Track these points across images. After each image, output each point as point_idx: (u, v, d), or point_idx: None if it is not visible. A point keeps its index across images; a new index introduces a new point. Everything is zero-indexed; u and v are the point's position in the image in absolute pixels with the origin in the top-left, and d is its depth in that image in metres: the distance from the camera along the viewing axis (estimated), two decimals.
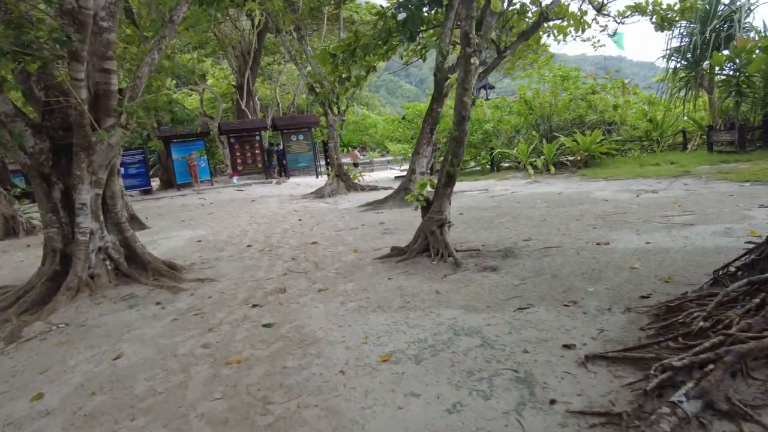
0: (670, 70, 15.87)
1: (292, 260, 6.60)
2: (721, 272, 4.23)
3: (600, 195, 9.66)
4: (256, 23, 24.06)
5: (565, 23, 12.19)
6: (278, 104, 29.75)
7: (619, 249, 5.66)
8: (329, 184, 15.50)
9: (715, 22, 14.11)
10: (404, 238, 7.30)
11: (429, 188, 6.16)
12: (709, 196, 8.43)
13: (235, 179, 22.12)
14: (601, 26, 14.71)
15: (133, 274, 5.86)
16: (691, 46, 14.81)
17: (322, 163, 26.45)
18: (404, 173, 22.27)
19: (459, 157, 5.63)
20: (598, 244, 5.94)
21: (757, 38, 13.53)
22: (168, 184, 21.32)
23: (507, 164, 17.72)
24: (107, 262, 5.84)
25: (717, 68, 14.33)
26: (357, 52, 10.64)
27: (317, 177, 24.09)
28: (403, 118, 21.36)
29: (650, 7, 13.14)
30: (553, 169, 14.48)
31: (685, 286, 4.32)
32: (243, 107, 25.02)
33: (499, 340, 3.56)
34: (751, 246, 4.59)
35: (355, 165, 22.22)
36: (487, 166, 17.71)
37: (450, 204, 6.09)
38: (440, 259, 5.80)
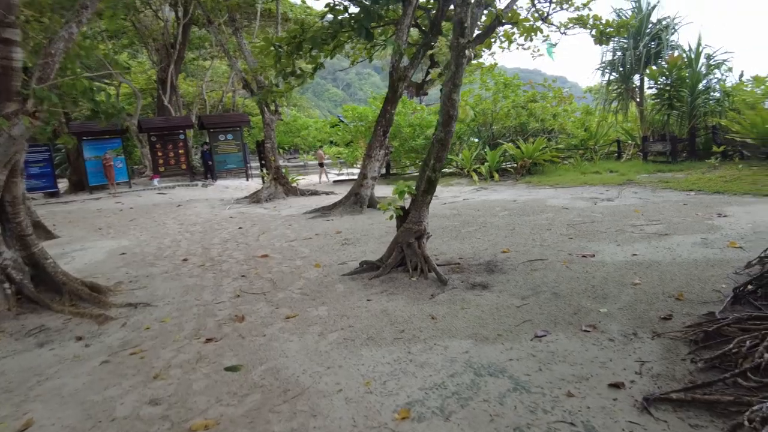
0: (604, 83, 16.40)
1: (243, 278, 5.64)
2: (741, 289, 3.91)
3: (556, 203, 9.48)
4: (182, 15, 22.34)
5: (514, 30, 12.06)
6: (205, 102, 27.81)
7: (608, 262, 5.30)
8: (266, 188, 14.38)
9: (646, 39, 14.70)
10: (369, 249, 6.57)
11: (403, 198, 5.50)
12: (664, 205, 8.46)
13: (156, 181, 20.19)
14: (543, 36, 14.84)
15: (43, 299, 4.65)
16: (624, 60, 15.36)
17: (253, 164, 25.03)
18: (343, 177, 21.52)
19: (442, 161, 5.02)
20: (584, 256, 5.56)
21: (685, 56, 14.22)
22: (78, 186, 18.96)
23: (449, 170, 17.49)
24: (6, 285, 4.58)
25: (648, 82, 14.96)
26: (303, 46, 9.83)
27: (248, 180, 22.67)
28: (341, 120, 20.59)
29: (591, 21, 13.42)
30: (497, 176, 14.37)
31: (699, 304, 3.97)
32: (166, 104, 23.02)
33: (532, 380, 2.94)
34: (753, 259, 4.36)
35: (321, 165, 21.12)
36: None
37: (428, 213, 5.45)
38: (420, 275, 5.14)
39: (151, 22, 24.22)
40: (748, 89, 13.23)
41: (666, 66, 13.55)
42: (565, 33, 13.37)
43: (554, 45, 17.90)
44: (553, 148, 14.55)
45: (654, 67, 14.17)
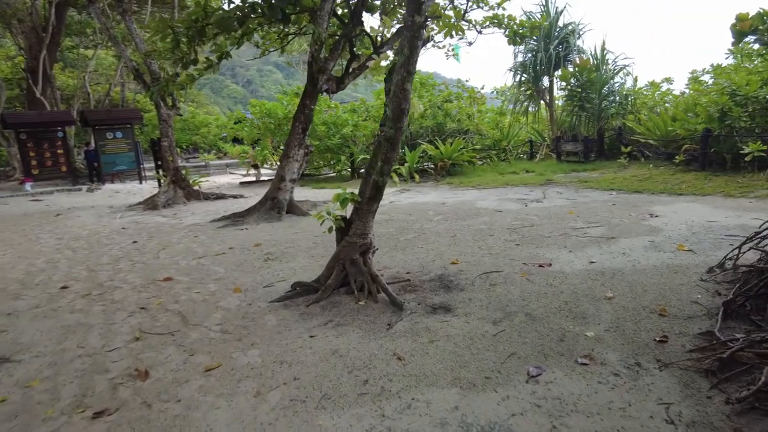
0: (515, 83, 16.65)
1: (142, 311, 4.46)
2: (732, 305, 3.57)
3: (486, 205, 9.13)
4: None
5: (433, 26, 11.65)
6: (88, 95, 24.59)
7: (568, 272, 4.86)
8: (164, 192, 12.70)
9: (555, 42, 15.07)
10: (298, 266, 5.63)
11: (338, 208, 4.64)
12: (593, 205, 8.41)
13: (28, 186, 17.34)
14: (459, 35, 14.74)
15: None
16: (534, 62, 15.66)
17: (148, 165, 22.64)
18: (251, 179, 19.98)
19: (391, 163, 4.25)
20: (540, 265, 5.08)
21: (592, 60, 14.76)
22: None
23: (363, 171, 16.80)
24: None
25: (558, 84, 15.37)
26: (207, 30, 8.64)
27: (141, 182, 20.35)
28: (247, 117, 19.03)
29: (505, 21, 13.43)
30: (417, 177, 13.93)
31: (686, 320, 3.59)
32: (38, 96, 19.91)
33: None
34: (713, 265, 4.04)
35: (255, 166, 19.17)
36: (347, 173, 16.58)
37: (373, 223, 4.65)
38: (368, 297, 4.33)
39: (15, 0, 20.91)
40: (648, 94, 14.00)
41: (577, 69, 13.94)
42: (481, 32, 13.19)
43: (457, 47, 17.90)
44: (470, 148, 14.41)
45: (568, 69, 14.55)
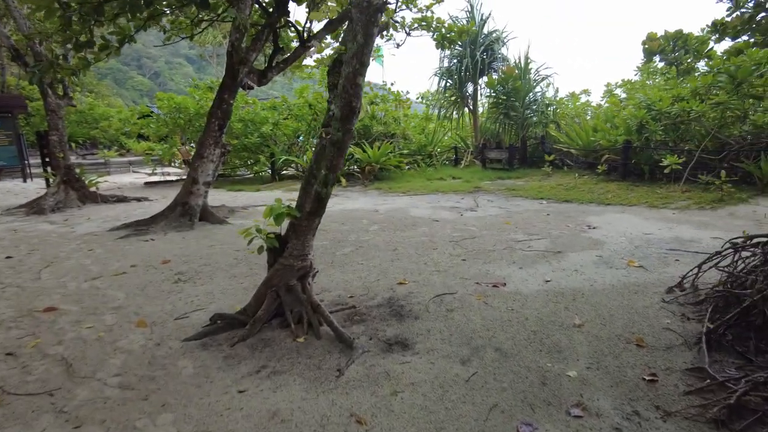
0: (440, 89, 16.53)
1: (9, 358, 3.41)
2: (713, 334, 3.30)
3: (420, 214, 8.69)
4: None
5: None
6: None
7: (525, 293, 4.46)
8: (52, 194, 10.97)
9: (481, 48, 15.11)
10: (217, 290, 4.76)
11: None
12: (527, 215, 8.26)
13: None
14: (386, 36, 14.41)
15: None
16: (459, 68, 15.60)
17: (35, 161, 19.96)
18: (156, 178, 18.18)
19: (337, 171, 3.57)
20: (495, 285, 4.65)
21: (517, 69, 14.94)
22: None
23: (288, 173, 15.87)
24: None
25: (483, 91, 15.42)
26: (106, 10, 7.42)
27: (26, 181, 17.83)
28: (153, 111, 17.30)
29: (434, 24, 13.19)
30: (344, 181, 13.22)
31: (665, 351, 3.28)
32: None
33: None
34: (672, 285, 3.79)
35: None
36: (266, 174, 15.52)
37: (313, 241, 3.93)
38: (308, 332, 3.62)
39: None
40: (569, 104, 14.42)
41: (503, 76, 14.02)
42: (409, 34, 12.83)
43: (380, 48, 17.56)
44: (398, 153, 14.00)
45: (493, 77, 14.61)
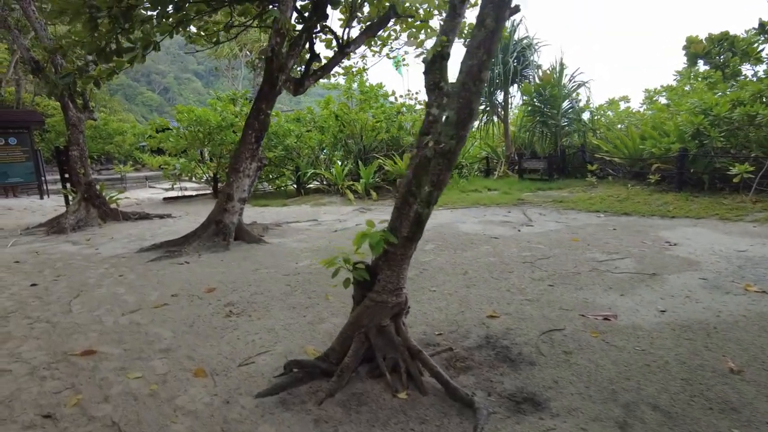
0: None
1: (47, 422, 2.76)
2: None
3: (471, 229, 8.01)
4: None
5: (397, 27, 10.51)
6: None
7: (644, 327, 3.76)
8: (73, 212, 10.43)
9: (515, 55, 14.52)
10: (279, 325, 4.10)
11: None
12: (590, 230, 7.56)
13: None
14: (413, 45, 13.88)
15: None
16: (491, 76, 14.99)
17: (51, 177, 19.60)
18: (175, 193, 17.64)
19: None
20: (606, 319, 3.95)
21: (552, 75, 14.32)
22: None
23: (312, 186, 15.28)
24: None
25: (517, 99, 14.80)
26: (134, 14, 6.95)
27: (42, 198, 17.39)
28: (167, 127, 16.77)
29: (467, 30, 12.63)
30: (375, 194, 12.64)
31: None
32: None
33: None
34: None
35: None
36: (290, 189, 14.94)
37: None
38: (408, 383, 2.94)
39: None
40: (609, 112, 13.75)
41: (539, 83, 13.39)
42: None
43: (398, 59, 16.94)
44: None
45: (529, 84, 13.99)
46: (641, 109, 14.77)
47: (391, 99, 16.24)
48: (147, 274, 5.91)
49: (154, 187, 21.55)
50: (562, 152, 13.38)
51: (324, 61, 8.59)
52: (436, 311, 4.24)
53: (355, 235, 3.02)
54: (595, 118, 13.80)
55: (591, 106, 13.86)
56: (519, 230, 7.67)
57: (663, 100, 14.31)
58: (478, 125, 16.41)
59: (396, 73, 18.25)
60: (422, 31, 9.79)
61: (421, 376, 2.99)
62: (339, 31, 8.48)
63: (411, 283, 5.08)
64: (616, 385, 2.92)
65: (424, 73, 3.19)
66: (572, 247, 6.43)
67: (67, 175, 11.93)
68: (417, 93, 16.77)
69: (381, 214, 10.41)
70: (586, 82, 13.53)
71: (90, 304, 4.80)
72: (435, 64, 3.13)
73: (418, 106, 15.62)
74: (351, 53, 8.54)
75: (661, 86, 14.91)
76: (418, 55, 11.97)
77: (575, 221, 8.38)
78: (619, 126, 13.34)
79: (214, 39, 9.33)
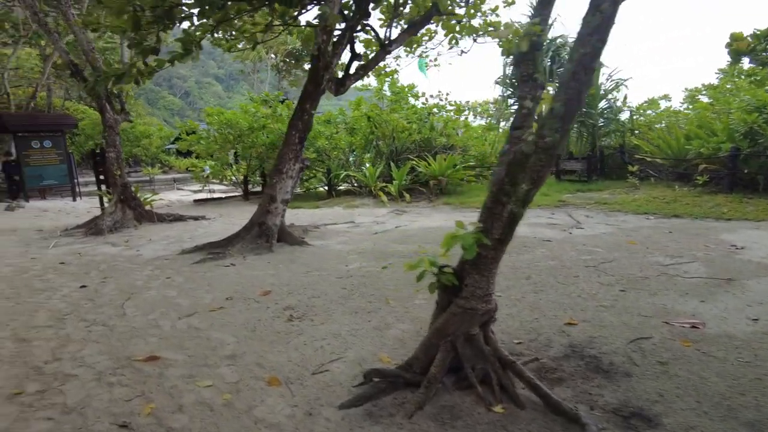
0: (501, 97, 15.66)
1: (125, 431, 2.62)
2: None
3: (519, 231, 7.67)
4: None
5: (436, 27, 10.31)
6: (8, 96, 21.30)
7: (739, 336, 3.49)
8: (110, 213, 10.44)
9: (550, 54, 14.20)
10: (344, 330, 3.92)
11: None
12: (645, 232, 7.25)
13: None
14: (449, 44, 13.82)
15: None
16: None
17: (83, 179, 19.86)
18: (205, 195, 17.70)
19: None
20: (693, 327, 3.69)
21: None
22: None
23: (342, 188, 15.14)
24: None
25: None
26: (176, 11, 6.83)
27: (75, 200, 17.59)
28: (196, 129, 16.82)
29: (501, 28, 12.37)
30: (408, 196, 12.45)
31: None
32: None
33: None
34: None
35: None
36: (320, 191, 14.83)
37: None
38: (502, 397, 2.73)
39: None
40: (649, 111, 13.35)
41: None
42: (476, 40, 12.00)
43: (422, 60, 16.64)
44: (465, 165, 13.09)
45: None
46: (681, 109, 14.31)
47: (422, 100, 16.06)
48: (194, 277, 5.79)
49: (182, 189, 21.69)
50: (600, 153, 13.01)
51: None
52: (508, 318, 4.01)
53: (444, 236, 2.83)
54: (635, 117, 13.40)
55: (630, 105, 13.47)
56: (570, 233, 7.40)
57: (705, 99, 13.83)
58: (508, 125, 16.11)
59: (420, 74, 18.07)
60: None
61: (513, 388, 2.78)
62: (379, 31, 8.34)
63: None
64: (731, 401, 2.67)
65: (514, 64, 3.03)
66: (631, 251, 6.15)
67: (102, 177, 12.00)
68: (447, 94, 16.51)
69: (417, 216, 10.21)
70: (625, 81, 13.13)
71: (143, 308, 4.69)
72: (527, 54, 2.93)
73: (448, 107, 15.38)
74: (391, 52, 8.37)
75: (702, 85, 14.46)
76: (461, 53, 11.77)
77: (625, 223, 8.07)
78: (658, 125, 12.92)
79: (249, 41, 9.26)
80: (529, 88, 2.85)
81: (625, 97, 13.78)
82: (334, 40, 7.58)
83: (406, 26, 8.48)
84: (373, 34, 8.18)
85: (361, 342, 3.66)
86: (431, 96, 15.63)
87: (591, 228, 7.77)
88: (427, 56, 13.75)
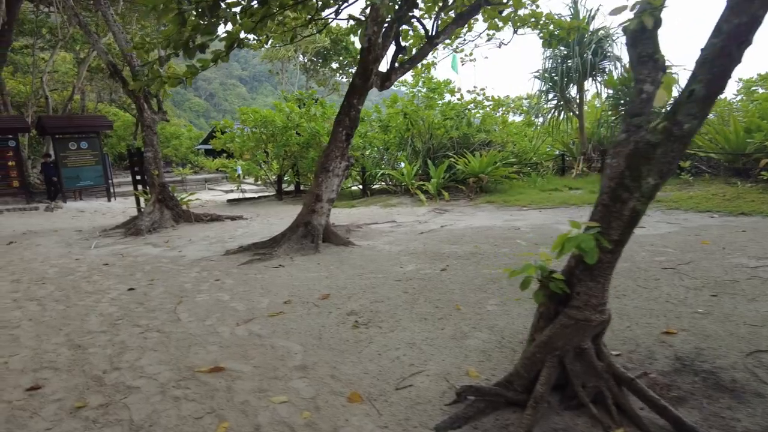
0: (541, 92, 15.16)
1: None
2: None
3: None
4: None
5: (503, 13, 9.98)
6: (46, 99, 21.66)
7: None
8: (148, 213, 10.39)
9: (593, 46, 13.67)
10: (418, 339, 3.61)
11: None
12: (715, 231, 6.75)
13: None
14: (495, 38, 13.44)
15: None
16: (564, 70, 14.18)
17: (116, 180, 20.08)
18: (237, 195, 17.68)
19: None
20: None
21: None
22: None
23: (377, 186, 14.87)
24: None
25: (591, 93, 13.95)
26: (221, 7, 6.65)
27: (109, 200, 17.75)
28: (230, 128, 16.76)
29: (543, 20, 11.93)
30: (447, 194, 12.09)
31: None
32: None
33: None
34: None
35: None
36: (356, 189, 14.59)
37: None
38: (620, 419, 2.39)
39: None
40: None
41: (626, 75, 12.49)
42: (516, 32, 11.57)
43: (455, 56, 16.14)
44: (505, 162, 12.66)
45: (613, 76, 13.13)
46: (735, 101, 13.59)
47: (457, 96, 15.68)
48: (245, 279, 5.57)
49: (213, 189, 21.76)
50: None
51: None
52: None
53: (556, 238, 2.50)
54: None
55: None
56: (633, 232, 6.94)
57: (761, 90, 13.10)
58: (546, 121, 15.60)
59: (451, 70, 17.60)
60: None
61: (632, 409, 2.43)
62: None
63: None
64: None
65: (629, 45, 2.64)
66: (707, 251, 5.69)
67: (138, 177, 11.98)
68: (483, 89, 16.07)
69: (460, 215, 9.86)
70: (675, 71, 12.49)
71: (197, 312, 4.47)
72: (645, 33, 2.57)
73: (485, 102, 14.96)
74: (438, 45, 8.04)
75: (759, 75, 13.71)
76: (500, 46, 11.38)
77: (688, 222, 7.57)
78: (710, 116, 12.26)
79: (288, 37, 9.06)
80: (648, 70, 2.50)
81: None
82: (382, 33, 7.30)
83: (453, 17, 8.14)
84: (419, 26, 7.87)
85: (439, 353, 3.35)
86: (467, 91, 15.24)
87: (653, 227, 7.30)
88: (461, 50, 13.33)
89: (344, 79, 35.70)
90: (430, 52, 8.13)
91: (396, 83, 16.17)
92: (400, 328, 3.80)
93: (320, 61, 32.08)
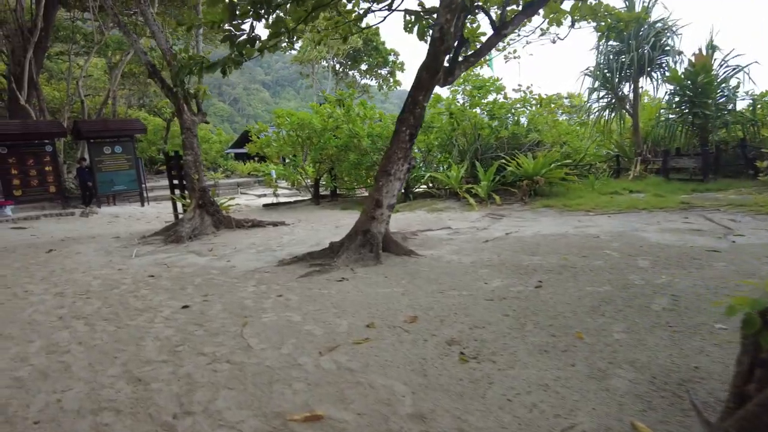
0: (593, 89, 14.33)
1: None
2: None
3: (663, 239, 6.56)
4: None
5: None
6: (82, 103, 21.63)
7: None
8: (189, 219, 9.94)
9: (651, 41, 12.80)
10: (548, 378, 2.95)
11: None
12: None
13: (8, 210, 14.40)
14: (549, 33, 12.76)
15: None
16: (620, 65, 13.34)
17: (149, 185, 19.90)
18: (273, 200, 17.23)
19: None
20: None
21: (686, 61, 12.52)
22: None
23: (419, 191, 14.24)
24: None
25: (655, 89, 13.05)
26: None
27: (143, 205, 17.52)
28: (266, 131, 16.36)
29: (602, 10, 11.17)
30: (498, 198, 11.38)
31: None
32: (23, 104, 17.07)
33: None
34: None
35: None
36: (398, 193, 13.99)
37: None
38: None
39: None
40: None
41: (691, 69, 11.61)
42: (573, 25, 10.81)
43: (491, 57, 15.28)
44: (561, 163, 11.90)
45: (677, 70, 12.25)
46: None
47: (503, 93, 14.95)
48: (311, 295, 4.98)
49: (246, 194, 21.42)
50: (717, 148, 11.51)
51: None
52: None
53: None
54: (758, 107, 11.81)
55: (751, 93, 11.88)
56: (733, 241, 6.16)
57: None
58: (597, 120, 14.76)
59: (487, 67, 16.92)
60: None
61: None
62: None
63: (676, 317, 3.78)
64: None
65: None
66: None
67: (175, 181, 11.60)
68: (529, 87, 15.29)
69: (520, 220, 9.15)
70: (744, 67, 11.56)
71: (269, 337, 3.88)
72: None
73: (532, 101, 14.20)
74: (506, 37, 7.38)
75: None
76: (553, 41, 10.69)
77: None
78: None
79: (333, 35, 8.54)
80: None
81: (739, 84, 12.11)
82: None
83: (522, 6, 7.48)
84: (486, 16, 7.22)
85: (584, 399, 2.68)
86: (513, 90, 14.50)
87: (753, 235, 6.48)
88: (505, 48, 12.60)
89: (373, 82, 35.23)
90: (498, 44, 7.47)
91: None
92: (520, 364, 3.14)
93: (349, 63, 31.66)
